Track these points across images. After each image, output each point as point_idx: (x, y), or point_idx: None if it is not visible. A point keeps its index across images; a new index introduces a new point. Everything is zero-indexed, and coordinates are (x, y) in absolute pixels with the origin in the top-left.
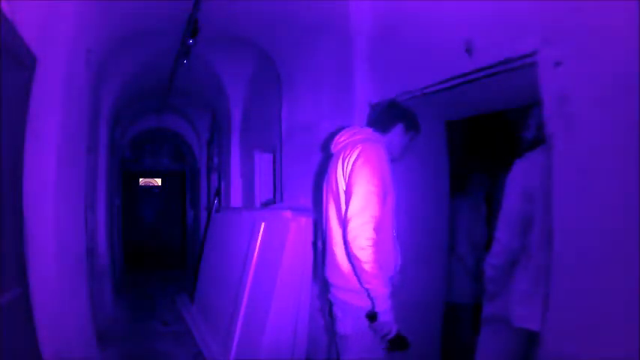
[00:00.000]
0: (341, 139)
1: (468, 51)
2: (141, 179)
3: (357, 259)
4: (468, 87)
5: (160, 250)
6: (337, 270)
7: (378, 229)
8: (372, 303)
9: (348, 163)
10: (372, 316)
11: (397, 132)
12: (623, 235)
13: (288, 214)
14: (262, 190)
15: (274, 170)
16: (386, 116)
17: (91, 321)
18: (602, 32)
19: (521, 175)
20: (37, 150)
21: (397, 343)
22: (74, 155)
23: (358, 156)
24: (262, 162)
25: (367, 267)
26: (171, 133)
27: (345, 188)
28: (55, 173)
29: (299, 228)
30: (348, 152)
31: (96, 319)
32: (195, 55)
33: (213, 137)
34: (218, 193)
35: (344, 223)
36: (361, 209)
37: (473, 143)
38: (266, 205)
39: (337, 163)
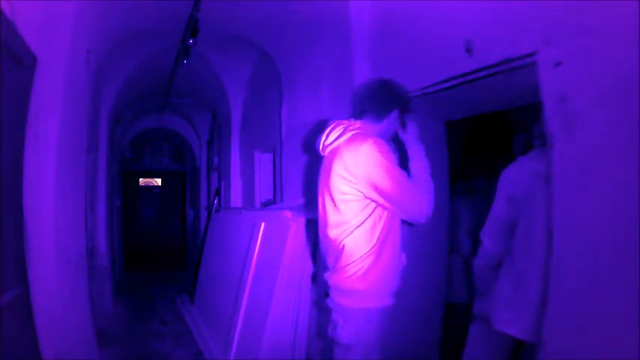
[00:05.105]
0: (328, 140)
1: (468, 51)
2: (141, 179)
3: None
4: (467, 87)
5: (160, 250)
6: (335, 275)
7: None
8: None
9: (348, 173)
10: None
11: (392, 119)
12: (623, 235)
13: (288, 214)
14: (262, 190)
15: (274, 170)
16: (380, 101)
17: (91, 321)
18: (602, 32)
19: (509, 181)
20: (37, 150)
21: None
22: (74, 155)
23: (365, 162)
24: (262, 162)
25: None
26: (172, 133)
27: (356, 198)
28: (55, 173)
29: (299, 228)
30: (346, 161)
31: (96, 319)
32: (195, 55)
33: (213, 137)
34: (218, 193)
35: (401, 214)
36: (406, 196)
37: (473, 143)
38: (266, 205)
39: (332, 170)
